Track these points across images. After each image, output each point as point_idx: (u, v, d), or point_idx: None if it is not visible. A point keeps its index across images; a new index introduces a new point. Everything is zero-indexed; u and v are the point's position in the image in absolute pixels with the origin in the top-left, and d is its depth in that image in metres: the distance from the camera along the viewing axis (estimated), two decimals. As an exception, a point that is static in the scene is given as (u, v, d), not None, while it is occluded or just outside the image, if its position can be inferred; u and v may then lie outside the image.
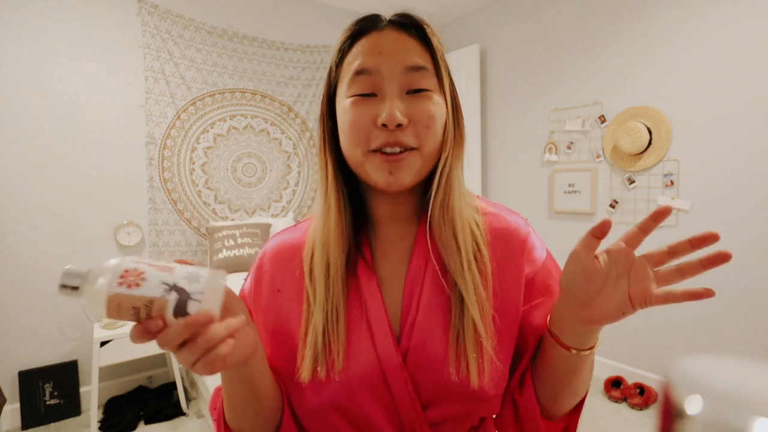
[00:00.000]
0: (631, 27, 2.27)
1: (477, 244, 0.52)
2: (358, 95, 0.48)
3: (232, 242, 2.43)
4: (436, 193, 0.50)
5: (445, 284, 0.51)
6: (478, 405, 0.49)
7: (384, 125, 0.46)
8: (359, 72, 0.47)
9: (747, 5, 1.88)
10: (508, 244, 0.54)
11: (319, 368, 0.47)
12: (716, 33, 1.97)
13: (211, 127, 2.67)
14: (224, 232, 2.47)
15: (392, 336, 0.49)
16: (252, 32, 2.78)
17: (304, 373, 0.48)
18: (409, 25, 0.49)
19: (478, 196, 0.59)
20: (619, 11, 2.32)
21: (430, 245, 0.52)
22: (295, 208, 3.01)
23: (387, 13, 0.51)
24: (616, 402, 2.21)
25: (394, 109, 0.45)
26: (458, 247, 0.50)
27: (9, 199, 2.03)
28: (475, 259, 0.51)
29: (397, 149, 0.47)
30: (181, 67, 2.52)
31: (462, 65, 3.06)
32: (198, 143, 2.62)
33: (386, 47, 0.47)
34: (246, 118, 2.80)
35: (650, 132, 2.19)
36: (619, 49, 2.33)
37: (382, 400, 0.48)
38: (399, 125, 0.46)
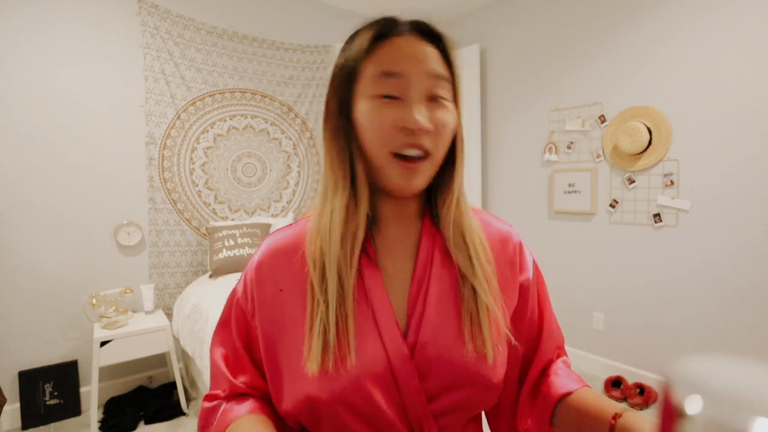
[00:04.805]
0: (631, 27, 2.27)
1: (481, 239, 0.56)
2: (383, 96, 0.49)
3: (232, 242, 2.43)
4: (447, 197, 0.54)
5: (452, 278, 0.54)
6: (483, 393, 0.52)
7: (406, 128, 0.48)
8: (388, 74, 0.49)
9: (747, 5, 1.88)
10: (503, 247, 0.59)
11: (328, 361, 0.47)
12: (716, 33, 1.97)
13: (211, 127, 2.67)
14: (224, 232, 2.47)
15: (399, 331, 0.50)
16: (252, 32, 2.78)
17: (313, 366, 0.47)
18: (430, 35, 0.52)
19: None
20: (619, 11, 2.32)
21: (434, 241, 0.56)
22: (295, 208, 3.01)
23: (389, 13, 0.53)
24: (616, 402, 2.20)
25: (420, 115, 0.48)
26: (466, 243, 0.53)
27: (9, 199, 2.03)
28: (483, 249, 0.55)
29: (416, 152, 0.49)
30: (181, 67, 2.52)
31: (462, 65, 3.04)
32: (198, 143, 2.62)
33: (413, 52, 0.49)
34: (246, 118, 2.80)
35: (650, 132, 2.19)
36: (619, 49, 2.33)
37: (389, 393, 0.49)
38: (420, 129, 0.48)
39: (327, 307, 0.49)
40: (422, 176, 0.51)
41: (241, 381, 0.55)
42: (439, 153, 0.51)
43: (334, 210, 0.51)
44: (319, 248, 0.52)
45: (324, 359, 0.47)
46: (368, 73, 0.50)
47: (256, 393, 0.56)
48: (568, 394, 0.55)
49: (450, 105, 0.51)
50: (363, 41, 0.51)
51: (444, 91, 0.51)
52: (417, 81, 0.49)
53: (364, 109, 0.50)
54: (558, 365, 0.60)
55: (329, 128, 0.53)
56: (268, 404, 0.55)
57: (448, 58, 0.52)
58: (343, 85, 0.52)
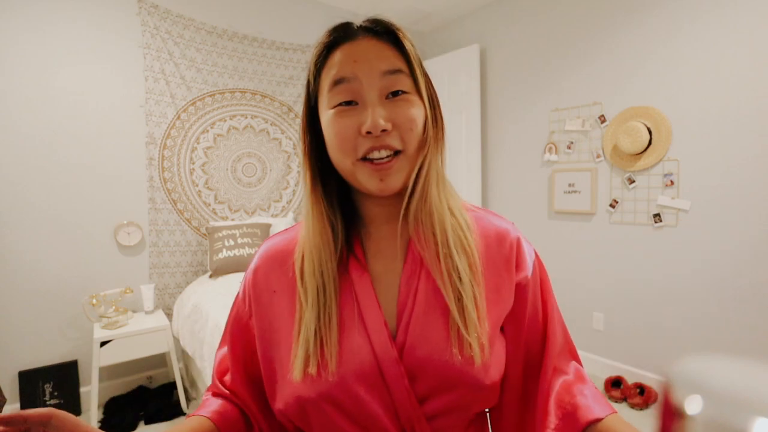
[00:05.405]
0: (631, 27, 2.27)
1: (463, 233, 0.53)
2: (340, 105, 0.49)
3: (232, 242, 2.43)
4: (414, 188, 0.51)
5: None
6: (475, 394, 0.50)
7: (369, 132, 0.47)
8: (338, 81, 0.49)
9: (747, 5, 1.88)
10: (499, 244, 0.56)
11: (310, 367, 0.48)
12: (716, 33, 1.97)
13: (211, 127, 2.67)
14: (224, 232, 2.47)
15: (387, 332, 0.50)
16: (252, 32, 2.78)
17: (296, 372, 0.49)
18: (381, 31, 0.51)
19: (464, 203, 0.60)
20: (619, 11, 2.32)
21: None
22: (295, 208, 3.01)
23: (386, 15, 0.53)
24: (616, 402, 2.21)
25: (377, 116, 0.47)
26: (436, 241, 0.51)
27: (9, 200, 2.03)
28: (464, 249, 0.52)
29: (384, 153, 0.49)
30: (181, 67, 2.52)
31: (462, 65, 3.06)
32: (198, 143, 2.62)
33: (361, 55, 0.49)
34: (246, 118, 2.80)
35: (650, 132, 2.19)
36: (619, 49, 2.33)
37: (379, 395, 0.49)
38: (384, 130, 0.48)
39: (310, 314, 0.50)
40: (397, 175, 0.50)
41: (224, 381, 0.58)
42: (412, 147, 0.50)
43: (314, 218, 0.53)
44: (302, 257, 0.53)
45: (307, 364, 0.48)
46: (324, 85, 0.51)
47: (234, 398, 0.57)
48: (597, 420, 0.51)
49: (413, 97, 0.50)
50: (316, 54, 0.52)
51: (403, 85, 0.49)
52: (369, 82, 0.48)
53: (325, 122, 0.51)
54: (588, 387, 0.56)
55: (302, 141, 0.55)
56: (239, 410, 0.57)
57: (403, 50, 0.51)
58: (309, 102, 0.54)
